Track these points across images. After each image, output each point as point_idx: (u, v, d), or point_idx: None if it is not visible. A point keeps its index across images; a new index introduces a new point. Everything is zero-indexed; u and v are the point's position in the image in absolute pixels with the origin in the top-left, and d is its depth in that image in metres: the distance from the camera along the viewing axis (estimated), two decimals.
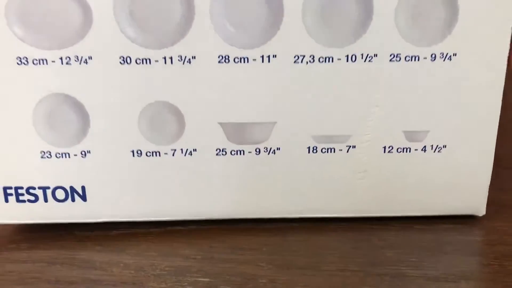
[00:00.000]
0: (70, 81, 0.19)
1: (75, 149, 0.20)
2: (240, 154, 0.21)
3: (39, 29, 0.19)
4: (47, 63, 0.19)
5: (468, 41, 0.20)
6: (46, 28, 0.19)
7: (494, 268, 0.19)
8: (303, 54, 0.19)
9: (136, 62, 0.19)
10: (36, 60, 0.19)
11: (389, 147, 0.21)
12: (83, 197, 0.21)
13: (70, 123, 0.20)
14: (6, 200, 0.21)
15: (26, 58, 0.19)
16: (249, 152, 0.21)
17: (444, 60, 0.20)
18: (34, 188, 0.21)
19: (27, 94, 0.20)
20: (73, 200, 0.21)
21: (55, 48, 0.19)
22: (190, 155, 0.21)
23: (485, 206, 0.22)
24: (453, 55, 0.20)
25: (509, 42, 0.20)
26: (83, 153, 0.20)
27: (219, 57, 0.19)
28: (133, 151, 0.20)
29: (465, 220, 0.22)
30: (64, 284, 0.18)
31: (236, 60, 0.19)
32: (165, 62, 0.19)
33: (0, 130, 0.20)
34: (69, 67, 0.19)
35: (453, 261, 0.20)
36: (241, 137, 0.20)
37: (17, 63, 0.19)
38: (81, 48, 0.19)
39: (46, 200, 0.21)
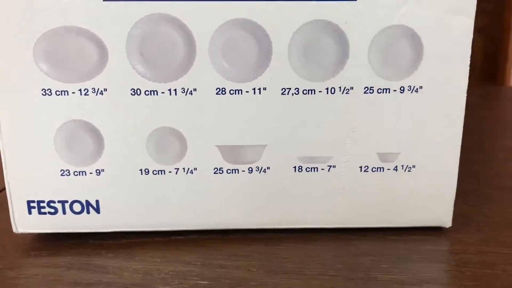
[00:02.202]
0: (88, 110, 0.22)
1: (91, 168, 0.23)
2: (235, 172, 0.24)
3: (62, 65, 0.22)
4: (67, 94, 0.22)
5: (432, 76, 0.23)
6: (68, 65, 0.22)
7: (454, 273, 0.22)
8: (289, 87, 0.22)
9: (145, 94, 0.22)
10: (59, 91, 0.22)
11: (365, 167, 0.24)
12: (97, 210, 0.24)
13: (87, 145, 0.23)
14: (30, 212, 0.24)
15: (50, 89, 0.22)
16: (243, 171, 0.24)
17: (411, 92, 0.23)
18: (54, 202, 0.24)
19: (50, 120, 0.23)
20: (88, 212, 0.24)
21: (75, 82, 0.22)
22: (191, 173, 0.24)
23: (451, 219, 0.25)
24: (419, 87, 0.23)
25: (467, 76, 0.23)
26: (97, 171, 0.23)
27: (216, 89, 0.22)
28: (141, 170, 0.23)
29: (433, 231, 0.25)
30: (82, 285, 0.21)
31: (232, 92, 0.22)
32: (170, 94, 0.22)
33: (25, 150, 0.23)
34: (87, 98, 0.22)
35: (419, 267, 0.22)
36: (236, 158, 0.23)
37: (42, 94, 0.22)
38: (97, 82, 0.22)
39: (64, 212, 0.24)
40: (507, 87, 0.85)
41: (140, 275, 0.22)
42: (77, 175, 0.23)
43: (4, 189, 0.24)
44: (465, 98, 0.23)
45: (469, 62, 0.23)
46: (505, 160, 0.38)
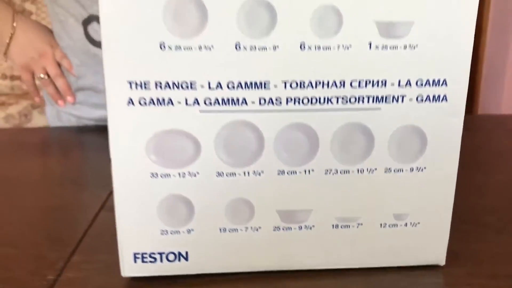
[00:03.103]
0: (184, 187, 0.30)
1: (184, 228, 0.31)
2: (289, 229, 0.32)
3: (165, 156, 0.30)
4: (170, 176, 0.30)
5: (433, 160, 0.31)
6: (170, 155, 0.30)
7: None
8: (330, 168, 0.31)
9: (227, 175, 0.30)
10: (163, 174, 0.30)
11: (383, 224, 0.32)
12: (186, 258, 0.32)
13: (181, 212, 0.31)
14: (135, 261, 0.32)
15: (157, 173, 0.30)
16: (295, 228, 0.32)
17: (418, 172, 0.31)
18: (154, 253, 0.31)
19: (155, 194, 0.30)
20: (179, 260, 0.32)
21: (175, 168, 0.30)
22: (257, 231, 0.32)
23: (444, 258, 0.34)
24: (424, 168, 0.31)
25: (457, 161, 0.31)
26: (188, 230, 0.31)
27: (278, 171, 0.30)
28: (220, 229, 0.31)
29: (430, 268, 0.34)
30: None
31: (289, 173, 0.31)
32: (245, 175, 0.30)
33: (135, 214, 0.31)
34: (183, 179, 0.30)
35: None
36: (291, 219, 0.32)
37: (150, 176, 0.30)
38: (192, 167, 0.30)
39: (161, 261, 0.32)
40: (474, 116, 0.94)
41: None
42: (173, 233, 0.31)
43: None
44: (455, 174, 0.32)
45: (459, 150, 0.31)
46: (483, 195, 0.47)
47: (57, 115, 0.79)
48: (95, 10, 0.65)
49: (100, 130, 0.76)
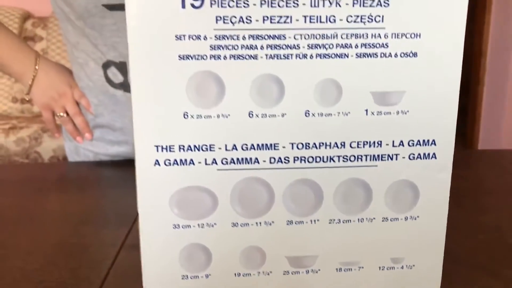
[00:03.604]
0: (202, 235, 0.34)
1: (202, 274, 0.35)
2: (297, 274, 0.35)
3: (187, 209, 0.33)
4: (190, 227, 0.34)
5: (425, 210, 0.35)
6: (191, 209, 0.33)
7: None
8: (334, 219, 0.34)
9: (241, 225, 0.34)
10: (184, 226, 0.34)
11: (382, 267, 0.36)
12: None
13: (200, 261, 0.34)
14: None
15: (179, 224, 0.34)
16: (303, 272, 0.35)
17: (412, 220, 0.35)
18: None
19: (176, 245, 0.34)
20: None
21: (195, 219, 0.34)
22: (268, 275, 0.35)
23: None
24: (417, 217, 0.35)
25: (447, 210, 0.35)
26: (206, 276, 0.35)
27: (287, 221, 0.34)
28: (235, 274, 0.35)
29: None
30: None
31: (296, 222, 0.34)
32: (257, 225, 0.34)
33: (157, 269, 0.34)
34: (203, 228, 0.34)
35: None
36: (299, 263, 0.35)
37: (172, 227, 0.34)
38: (210, 219, 0.34)
39: None
40: (474, 151, 0.96)
41: None
42: (192, 278, 0.35)
43: None
44: (445, 221, 0.35)
45: (448, 200, 0.35)
46: (474, 235, 0.51)
47: (75, 150, 0.83)
48: (112, 56, 0.70)
49: (116, 166, 0.81)
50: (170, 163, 0.33)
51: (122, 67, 0.72)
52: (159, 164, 0.33)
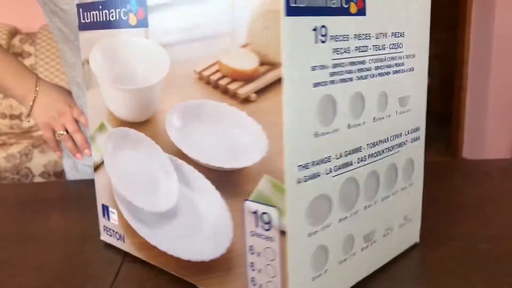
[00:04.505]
0: (326, 236, 0.39)
1: None
2: (365, 249, 0.44)
3: (315, 216, 0.38)
4: (317, 233, 0.38)
5: (415, 177, 0.50)
6: (317, 215, 0.38)
7: None
8: (384, 197, 0.45)
9: (343, 220, 0.40)
10: (312, 232, 0.38)
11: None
12: None
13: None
14: None
15: (311, 232, 0.37)
16: (370, 245, 0.44)
17: (411, 186, 0.49)
18: None
19: (306, 253, 0.37)
20: None
21: (319, 224, 0.38)
22: (353, 255, 0.43)
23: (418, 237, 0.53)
24: (412, 184, 0.49)
25: (423, 178, 0.51)
26: None
27: (364, 208, 0.43)
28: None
29: None
30: None
31: (369, 206, 0.43)
32: (351, 216, 0.41)
33: None
34: (326, 231, 0.38)
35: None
36: (369, 239, 0.44)
37: (307, 237, 0.37)
38: (328, 220, 0.39)
39: None
40: (457, 160, 0.98)
41: None
42: (317, 277, 0.39)
43: None
44: (422, 186, 0.51)
45: (422, 172, 0.51)
46: (446, 242, 0.52)
47: (74, 166, 0.89)
48: None
49: None
50: (306, 179, 0.36)
51: None
52: (299, 182, 0.36)
